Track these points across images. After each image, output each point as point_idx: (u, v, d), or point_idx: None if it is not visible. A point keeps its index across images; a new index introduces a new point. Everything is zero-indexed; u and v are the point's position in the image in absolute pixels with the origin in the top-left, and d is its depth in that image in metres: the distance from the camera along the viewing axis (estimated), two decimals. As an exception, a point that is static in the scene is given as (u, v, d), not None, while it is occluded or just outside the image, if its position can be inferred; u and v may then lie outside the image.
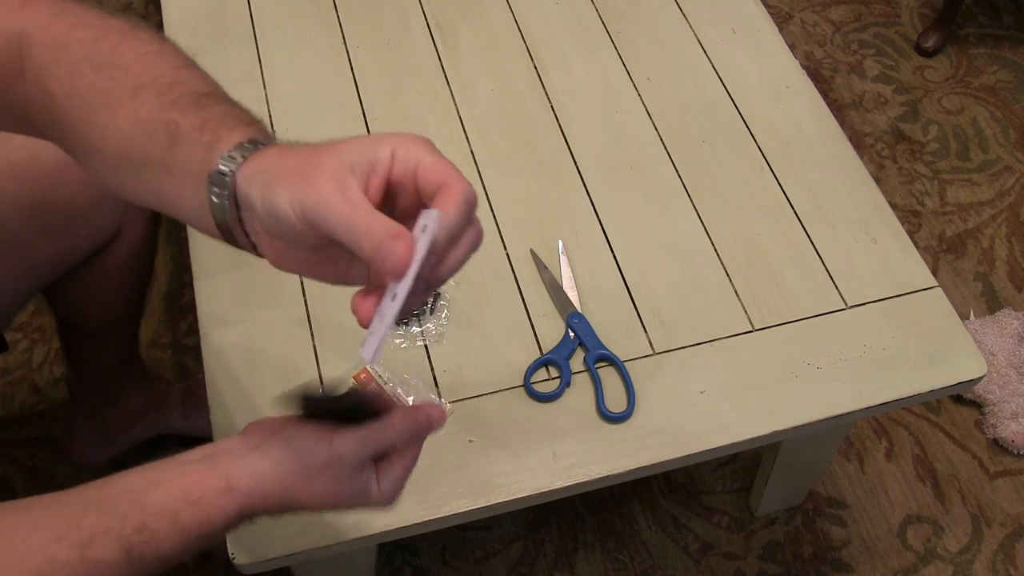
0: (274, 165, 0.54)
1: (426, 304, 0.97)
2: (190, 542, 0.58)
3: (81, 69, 0.63)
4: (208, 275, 0.99)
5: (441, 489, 0.86)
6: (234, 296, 0.97)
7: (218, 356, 0.93)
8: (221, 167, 0.55)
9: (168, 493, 0.58)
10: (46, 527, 0.55)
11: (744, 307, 0.99)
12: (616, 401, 0.92)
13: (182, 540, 0.57)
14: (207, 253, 1.00)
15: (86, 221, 1.06)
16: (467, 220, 0.54)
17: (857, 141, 1.86)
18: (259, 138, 0.57)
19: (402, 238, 0.50)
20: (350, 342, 0.94)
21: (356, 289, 0.55)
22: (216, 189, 0.55)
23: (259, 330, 0.95)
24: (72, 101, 0.63)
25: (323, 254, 0.55)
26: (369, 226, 0.50)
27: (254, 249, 0.59)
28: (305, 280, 0.99)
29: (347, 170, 0.52)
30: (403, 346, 0.95)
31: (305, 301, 0.97)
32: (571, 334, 0.96)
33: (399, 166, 0.53)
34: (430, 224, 0.51)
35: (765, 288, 1.01)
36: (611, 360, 0.94)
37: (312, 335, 0.95)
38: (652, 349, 0.96)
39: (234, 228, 0.57)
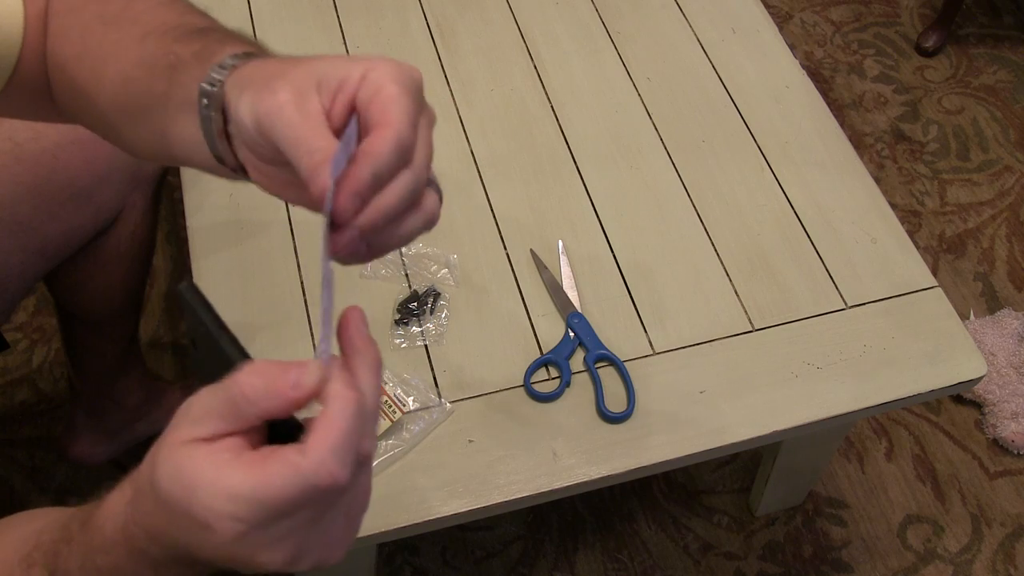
0: (253, 72, 0.52)
1: (426, 304, 0.97)
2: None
3: (92, 28, 0.63)
4: (208, 275, 0.99)
5: (441, 489, 0.86)
6: (234, 296, 0.97)
7: (218, 356, 0.93)
8: (211, 76, 0.53)
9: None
10: (17, 546, 0.53)
11: (744, 307, 0.99)
12: (616, 401, 0.92)
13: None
14: (207, 253, 1.00)
15: (89, 200, 1.06)
16: (395, 162, 0.48)
17: (857, 141, 1.86)
18: (252, 51, 0.55)
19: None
20: (350, 342, 0.94)
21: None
22: (205, 101, 0.54)
23: (259, 330, 0.95)
24: (83, 62, 0.64)
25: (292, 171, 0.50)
26: (313, 143, 0.46)
27: (244, 173, 0.56)
28: (305, 280, 0.99)
29: (312, 84, 0.48)
30: (403, 346, 0.95)
31: (305, 301, 0.98)
32: (571, 334, 0.96)
33: (364, 90, 0.48)
34: (339, 148, 0.46)
35: (765, 288, 1.01)
36: (611, 360, 0.94)
37: (312, 334, 0.95)
38: (652, 349, 0.96)
39: (220, 143, 0.54)
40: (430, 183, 0.51)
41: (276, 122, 0.47)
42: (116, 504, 0.48)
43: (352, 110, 0.48)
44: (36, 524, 0.54)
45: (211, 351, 0.48)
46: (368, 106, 0.48)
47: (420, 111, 0.50)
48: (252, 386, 0.43)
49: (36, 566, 0.51)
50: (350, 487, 0.44)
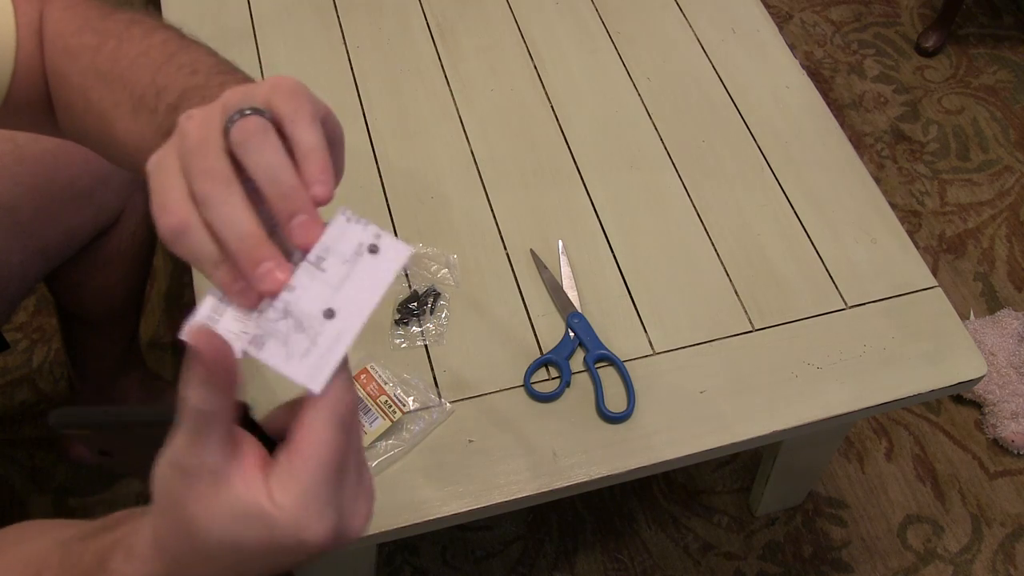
0: None
1: (426, 304, 0.97)
2: None
3: (89, 82, 0.64)
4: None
5: (441, 489, 0.86)
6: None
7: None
8: None
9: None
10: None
11: (744, 307, 0.99)
12: (616, 401, 0.92)
13: None
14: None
15: (90, 201, 1.06)
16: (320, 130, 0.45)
17: (857, 141, 1.86)
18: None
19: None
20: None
21: None
22: None
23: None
24: (88, 116, 0.65)
25: None
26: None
27: None
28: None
29: (218, 116, 0.46)
30: (403, 346, 0.95)
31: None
32: (571, 334, 0.96)
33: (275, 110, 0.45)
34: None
35: (765, 288, 1.01)
36: (611, 360, 0.94)
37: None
38: (652, 349, 0.96)
39: None
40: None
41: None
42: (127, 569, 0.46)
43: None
44: (31, 547, 0.52)
45: (126, 442, 0.45)
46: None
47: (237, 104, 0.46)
48: (198, 390, 0.41)
49: None
50: (352, 446, 0.44)
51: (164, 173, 0.45)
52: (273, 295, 0.43)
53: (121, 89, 0.62)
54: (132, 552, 0.46)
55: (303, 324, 0.43)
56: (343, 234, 0.44)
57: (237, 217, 0.43)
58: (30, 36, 0.67)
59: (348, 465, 0.43)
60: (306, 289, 0.43)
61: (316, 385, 0.42)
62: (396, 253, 0.44)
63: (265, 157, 0.43)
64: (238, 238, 0.43)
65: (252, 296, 0.44)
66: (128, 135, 0.62)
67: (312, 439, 0.42)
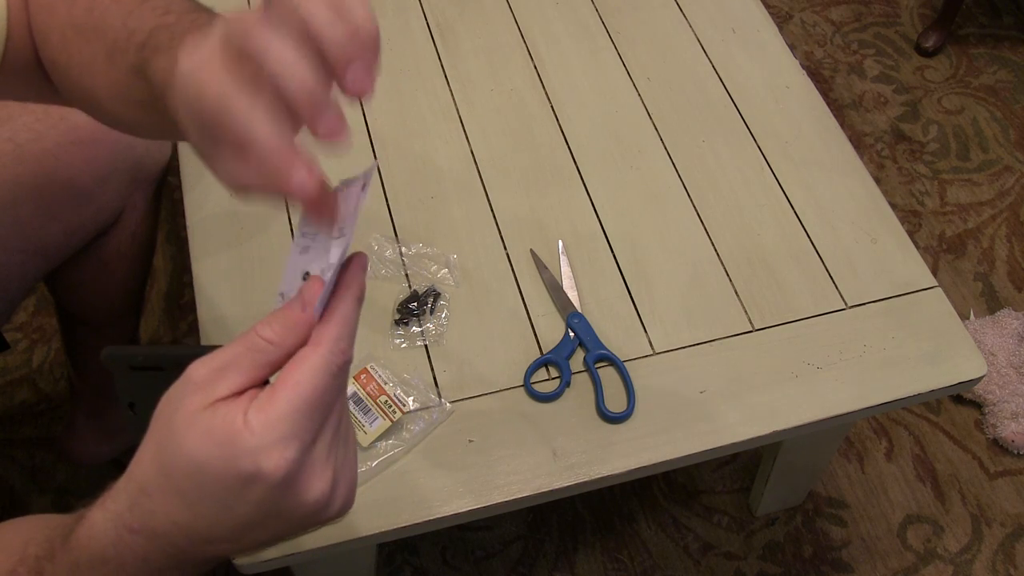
0: None
1: (426, 304, 0.97)
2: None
3: (68, 36, 0.64)
4: (208, 275, 0.99)
5: (441, 489, 0.86)
6: (234, 296, 0.97)
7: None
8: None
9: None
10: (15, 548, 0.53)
11: (744, 307, 0.99)
12: (616, 401, 0.92)
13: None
14: (207, 253, 1.00)
15: (90, 200, 1.06)
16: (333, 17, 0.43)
17: (857, 141, 1.86)
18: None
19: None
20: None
21: None
22: None
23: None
24: (71, 71, 0.65)
25: None
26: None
27: None
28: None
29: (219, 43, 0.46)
30: (403, 346, 0.95)
31: (305, 301, 0.97)
32: (571, 334, 0.96)
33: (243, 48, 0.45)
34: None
35: (765, 288, 1.01)
36: (611, 360, 0.94)
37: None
38: (652, 349, 0.96)
39: None
40: None
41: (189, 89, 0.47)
42: (100, 522, 0.47)
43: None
44: (24, 535, 0.53)
45: (157, 389, 0.48)
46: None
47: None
48: (272, 330, 0.45)
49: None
50: (343, 410, 0.47)
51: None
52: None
53: (97, 39, 0.61)
54: (106, 496, 0.48)
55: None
56: (346, 200, 0.49)
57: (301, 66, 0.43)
58: (16, 2, 0.66)
59: (328, 418, 0.45)
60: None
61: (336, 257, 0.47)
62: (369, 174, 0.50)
63: (317, 6, 0.43)
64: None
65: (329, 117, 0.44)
66: (108, 89, 0.61)
67: (300, 375, 0.44)
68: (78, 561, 0.48)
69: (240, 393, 0.45)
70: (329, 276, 0.47)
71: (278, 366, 0.45)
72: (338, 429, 0.46)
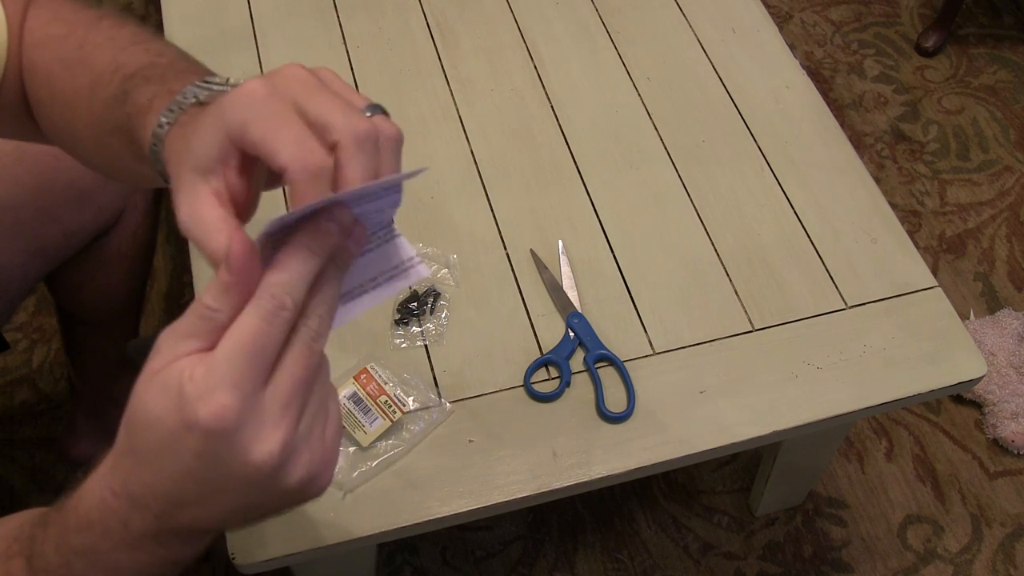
0: (168, 158, 0.54)
1: (426, 304, 0.97)
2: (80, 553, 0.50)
3: (54, 71, 0.64)
4: (208, 275, 0.99)
5: (441, 489, 0.86)
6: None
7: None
8: (152, 148, 0.56)
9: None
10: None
11: (744, 307, 0.99)
12: (616, 401, 0.92)
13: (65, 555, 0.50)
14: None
15: (91, 201, 1.06)
16: (318, 177, 0.46)
17: (857, 141, 1.86)
18: (155, 140, 0.55)
19: (234, 241, 0.46)
20: (350, 342, 0.94)
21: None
22: (158, 167, 0.57)
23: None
24: (55, 106, 0.65)
25: None
26: (212, 244, 0.47)
27: None
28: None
29: (199, 182, 0.48)
30: (403, 346, 0.95)
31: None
32: (571, 334, 0.96)
33: (244, 146, 0.47)
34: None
35: (765, 288, 1.01)
36: (611, 360, 0.94)
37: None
38: (652, 349, 0.96)
39: None
40: (373, 111, 0.50)
41: (189, 233, 0.48)
42: (88, 486, 0.49)
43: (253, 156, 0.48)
44: (19, 519, 0.54)
45: None
46: (256, 154, 0.47)
47: (279, 102, 0.48)
48: (211, 296, 0.45)
49: (15, 557, 0.52)
50: (319, 380, 0.47)
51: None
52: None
53: (82, 73, 0.62)
54: (96, 462, 0.49)
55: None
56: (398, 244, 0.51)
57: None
58: (15, 37, 0.67)
59: (265, 358, 0.45)
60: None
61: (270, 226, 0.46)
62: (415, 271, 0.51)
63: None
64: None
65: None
66: (87, 120, 0.62)
67: (235, 325, 0.44)
68: (67, 524, 0.49)
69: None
70: (262, 233, 0.47)
71: (226, 325, 0.46)
72: (299, 392, 0.46)
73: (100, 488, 0.48)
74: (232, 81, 0.57)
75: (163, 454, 0.45)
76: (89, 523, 0.48)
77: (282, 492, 0.46)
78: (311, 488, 0.47)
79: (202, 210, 0.47)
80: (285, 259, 0.46)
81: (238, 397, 0.43)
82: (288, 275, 0.45)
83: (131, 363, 0.53)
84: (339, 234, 0.47)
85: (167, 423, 0.44)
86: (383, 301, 0.49)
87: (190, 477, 0.45)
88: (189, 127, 0.53)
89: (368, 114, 0.49)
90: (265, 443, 0.44)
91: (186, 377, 0.43)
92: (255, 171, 0.49)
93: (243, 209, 0.50)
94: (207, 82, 0.57)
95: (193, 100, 0.56)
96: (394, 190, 0.50)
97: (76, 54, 0.63)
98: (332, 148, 0.47)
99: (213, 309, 0.45)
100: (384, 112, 0.51)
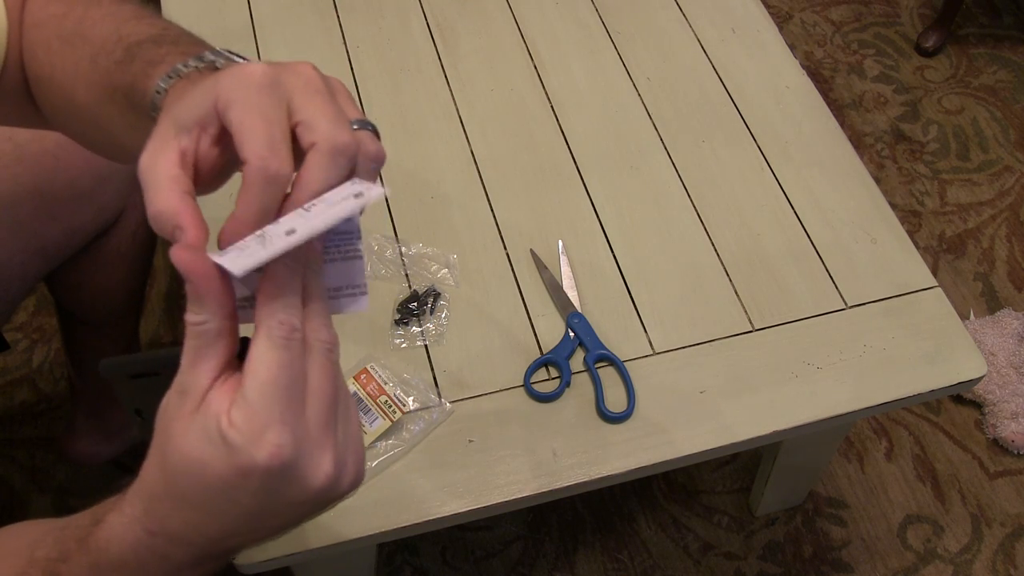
0: (166, 106, 0.53)
1: (426, 304, 0.97)
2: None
3: (53, 47, 0.64)
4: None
5: (441, 489, 0.86)
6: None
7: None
8: (153, 115, 0.55)
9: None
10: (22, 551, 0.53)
11: (744, 307, 0.99)
12: (616, 401, 0.92)
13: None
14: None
15: (91, 201, 1.06)
16: (276, 186, 0.46)
17: (857, 141, 1.86)
18: (162, 84, 0.55)
19: (184, 230, 0.45)
20: (350, 342, 0.94)
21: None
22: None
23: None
24: (54, 82, 0.65)
25: None
26: (164, 208, 0.46)
27: None
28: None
29: (172, 132, 0.47)
30: (403, 346, 0.95)
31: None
32: (571, 334, 0.96)
33: (224, 122, 0.47)
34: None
35: (765, 288, 1.01)
36: (611, 360, 0.94)
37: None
38: (652, 349, 0.96)
39: None
40: (362, 126, 0.50)
41: (141, 177, 0.47)
42: (118, 525, 0.48)
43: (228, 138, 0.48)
44: (26, 538, 0.54)
45: (161, 394, 0.48)
46: (235, 140, 0.47)
47: (273, 98, 0.47)
48: (192, 311, 0.44)
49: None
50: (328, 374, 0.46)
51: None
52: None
53: (83, 45, 0.61)
54: (122, 500, 0.48)
55: (265, 238, 0.45)
56: (339, 189, 0.47)
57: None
58: (15, 22, 0.67)
59: (298, 386, 0.44)
60: (285, 220, 0.45)
61: (236, 268, 0.43)
62: (371, 193, 0.47)
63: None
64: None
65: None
66: (87, 92, 0.61)
67: (252, 362, 0.44)
68: (98, 563, 0.49)
69: (222, 377, 0.45)
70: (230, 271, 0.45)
71: (229, 333, 0.45)
72: (333, 406, 0.46)
73: (134, 530, 0.47)
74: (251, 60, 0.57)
75: (215, 499, 0.45)
76: (123, 561, 0.48)
77: (332, 501, 0.47)
78: (354, 487, 0.48)
79: (160, 163, 0.46)
80: (273, 282, 0.45)
81: (289, 433, 0.43)
82: (283, 297, 0.45)
83: (108, 381, 0.53)
84: (318, 246, 0.47)
85: (217, 470, 0.43)
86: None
87: (247, 515, 0.45)
88: (193, 84, 0.52)
89: (355, 126, 0.49)
90: (321, 467, 0.45)
91: (225, 424, 0.43)
92: (230, 148, 0.48)
93: (206, 179, 0.49)
94: (229, 52, 0.57)
95: (211, 60, 0.55)
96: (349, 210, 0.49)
97: (76, 29, 0.62)
98: (309, 148, 0.47)
99: (199, 323, 0.44)
100: (375, 131, 0.51)
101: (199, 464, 0.44)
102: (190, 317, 0.44)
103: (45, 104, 0.68)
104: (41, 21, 0.65)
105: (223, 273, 0.44)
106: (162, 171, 0.46)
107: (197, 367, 0.45)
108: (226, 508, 0.45)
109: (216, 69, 0.55)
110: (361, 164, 0.48)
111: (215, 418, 0.43)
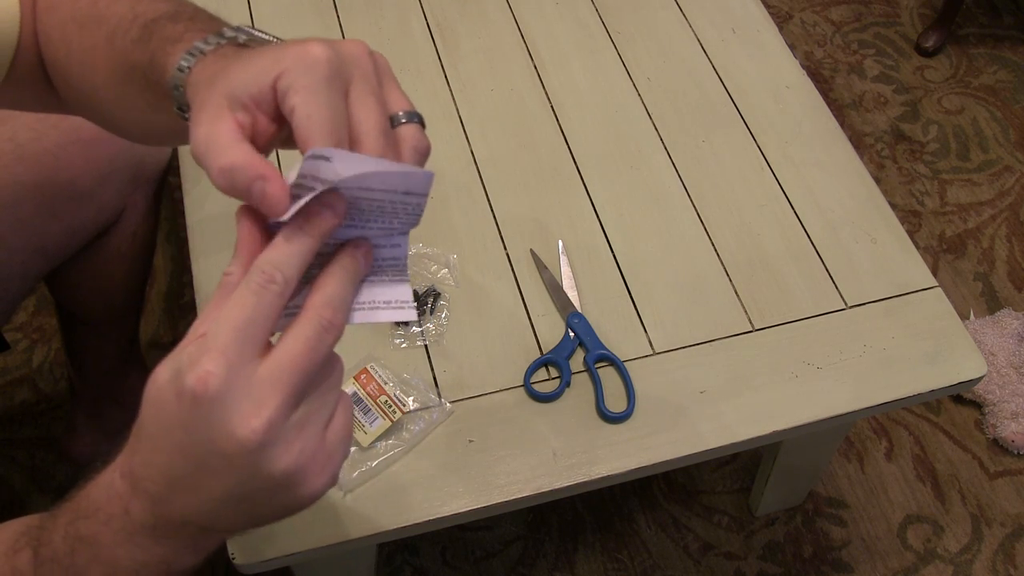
0: (195, 88, 0.53)
1: (426, 304, 0.97)
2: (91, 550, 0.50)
3: (69, 30, 0.64)
4: (208, 275, 0.99)
5: (441, 489, 0.86)
6: (234, 296, 0.97)
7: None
8: (175, 90, 0.55)
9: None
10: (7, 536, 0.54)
11: (744, 307, 0.99)
12: (616, 401, 0.92)
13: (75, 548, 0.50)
14: (207, 252, 1.00)
15: (91, 200, 1.06)
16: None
17: (857, 141, 1.86)
18: (184, 63, 0.55)
19: (268, 180, 0.46)
20: (350, 342, 0.94)
21: None
22: (177, 108, 0.56)
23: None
24: (71, 66, 0.65)
25: None
26: (241, 162, 0.46)
27: None
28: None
29: (225, 104, 0.48)
30: (403, 346, 0.95)
31: (305, 301, 0.97)
32: (571, 334, 0.96)
33: (282, 104, 0.47)
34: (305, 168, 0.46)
35: (765, 288, 1.01)
36: (611, 360, 0.94)
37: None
38: (652, 349, 0.96)
39: None
40: (410, 119, 0.51)
41: (199, 156, 0.48)
42: (107, 469, 0.49)
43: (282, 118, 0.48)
44: (30, 519, 0.55)
45: None
46: (291, 121, 0.47)
47: (337, 89, 0.48)
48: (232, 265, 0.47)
49: (23, 549, 0.52)
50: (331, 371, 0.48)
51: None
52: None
53: (98, 27, 0.61)
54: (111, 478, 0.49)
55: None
56: (388, 175, 0.49)
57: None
58: (28, 6, 0.67)
59: (256, 330, 0.45)
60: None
61: (288, 214, 0.46)
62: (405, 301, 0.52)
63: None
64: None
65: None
66: (105, 73, 0.61)
67: (228, 300, 0.46)
68: (77, 510, 0.50)
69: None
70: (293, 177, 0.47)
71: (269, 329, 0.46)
72: (297, 374, 0.46)
73: (111, 470, 0.49)
74: (276, 40, 0.56)
75: (159, 426, 0.45)
76: (96, 508, 0.49)
77: (267, 480, 0.45)
78: (302, 486, 0.46)
79: (222, 130, 0.47)
80: (276, 240, 0.46)
81: (222, 364, 0.43)
82: (277, 253, 0.46)
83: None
84: (332, 217, 0.47)
85: (164, 395, 0.44)
86: (366, 323, 0.50)
87: (179, 450, 0.45)
88: (231, 59, 0.51)
89: (403, 120, 0.50)
90: (250, 418, 0.43)
91: (185, 351, 0.44)
92: (285, 127, 0.48)
93: (260, 150, 0.49)
94: (251, 27, 0.57)
95: (234, 36, 0.55)
96: (400, 192, 0.49)
97: (90, 10, 0.63)
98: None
99: (228, 273, 0.46)
100: (421, 122, 0.52)
101: (155, 390, 0.45)
102: (227, 269, 0.47)
103: (62, 87, 0.68)
104: (55, 4, 0.65)
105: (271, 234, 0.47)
106: (226, 134, 0.47)
107: (209, 314, 0.46)
108: (164, 436, 0.45)
109: (239, 45, 0.55)
110: (407, 157, 0.50)
111: (183, 346, 0.45)
